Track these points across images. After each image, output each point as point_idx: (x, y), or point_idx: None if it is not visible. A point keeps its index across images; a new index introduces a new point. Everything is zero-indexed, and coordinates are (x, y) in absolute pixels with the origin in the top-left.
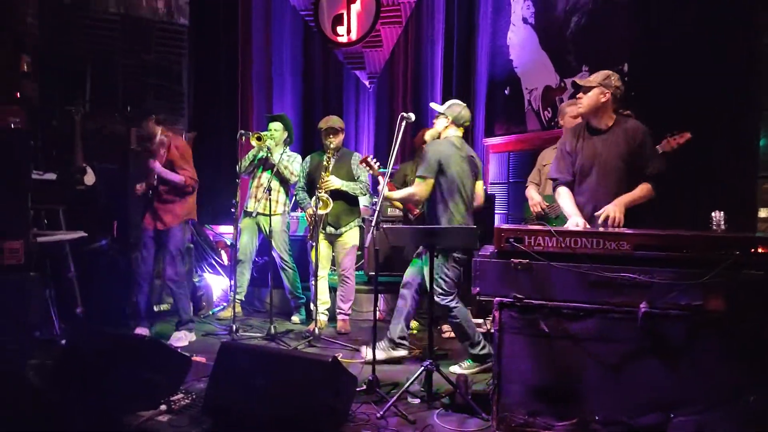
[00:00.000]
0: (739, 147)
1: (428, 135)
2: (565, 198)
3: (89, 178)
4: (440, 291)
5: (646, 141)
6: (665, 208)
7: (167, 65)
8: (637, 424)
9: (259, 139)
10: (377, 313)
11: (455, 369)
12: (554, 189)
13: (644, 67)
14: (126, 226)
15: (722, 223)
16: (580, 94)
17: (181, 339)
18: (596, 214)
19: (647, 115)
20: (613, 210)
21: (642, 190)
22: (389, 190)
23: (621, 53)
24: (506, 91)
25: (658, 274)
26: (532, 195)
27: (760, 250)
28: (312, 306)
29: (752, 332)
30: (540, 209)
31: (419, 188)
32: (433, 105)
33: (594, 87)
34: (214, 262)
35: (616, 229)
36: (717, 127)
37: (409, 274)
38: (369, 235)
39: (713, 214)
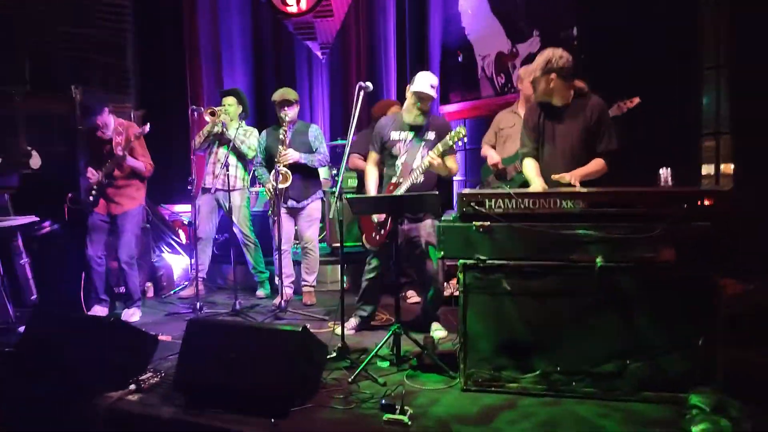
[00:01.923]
0: (684, 105)
1: (427, 117)
2: (530, 168)
3: (35, 161)
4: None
5: (602, 118)
6: (617, 166)
7: (111, 41)
8: (597, 372)
9: (212, 114)
10: (344, 283)
11: (438, 334)
12: (521, 161)
13: (592, 29)
14: (76, 208)
15: (669, 179)
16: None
17: (134, 314)
18: (553, 176)
19: (596, 76)
20: (570, 176)
21: (596, 164)
22: (355, 161)
23: (570, 17)
24: (459, 59)
25: (612, 230)
26: (491, 154)
27: (706, 203)
28: (276, 280)
29: (700, 280)
30: (500, 167)
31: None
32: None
33: (538, 77)
34: (172, 242)
35: (572, 189)
36: (663, 86)
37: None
38: (333, 206)
39: (660, 171)
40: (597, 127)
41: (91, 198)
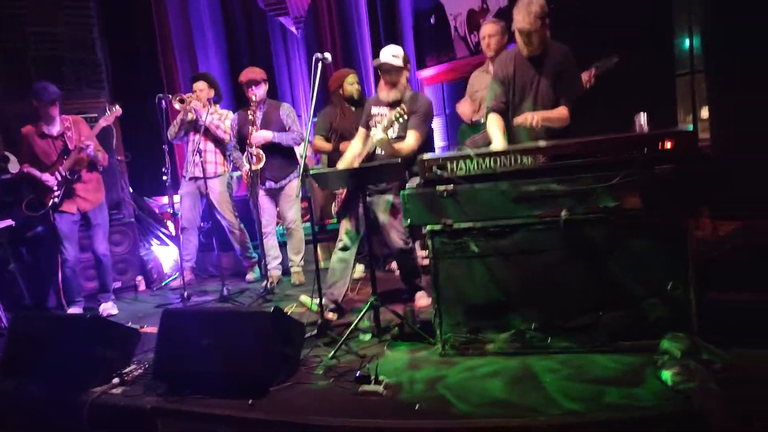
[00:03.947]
0: (658, 46)
1: (401, 91)
2: (493, 123)
3: (13, 166)
4: (405, 237)
5: (568, 66)
6: (594, 115)
7: (78, 36)
8: (571, 326)
9: (181, 101)
10: (321, 261)
11: (421, 302)
12: (486, 116)
13: None
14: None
15: (645, 124)
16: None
17: (112, 308)
18: (514, 120)
19: (566, 24)
20: (531, 115)
21: (559, 111)
22: (316, 143)
23: None
24: (432, 20)
25: (575, 182)
26: (463, 110)
27: (668, 145)
28: (263, 263)
29: (668, 224)
30: (470, 121)
31: (419, 142)
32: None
33: (539, 27)
34: (160, 234)
35: (532, 144)
36: (636, 28)
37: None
38: (297, 184)
39: (636, 116)
40: (560, 74)
41: (56, 200)
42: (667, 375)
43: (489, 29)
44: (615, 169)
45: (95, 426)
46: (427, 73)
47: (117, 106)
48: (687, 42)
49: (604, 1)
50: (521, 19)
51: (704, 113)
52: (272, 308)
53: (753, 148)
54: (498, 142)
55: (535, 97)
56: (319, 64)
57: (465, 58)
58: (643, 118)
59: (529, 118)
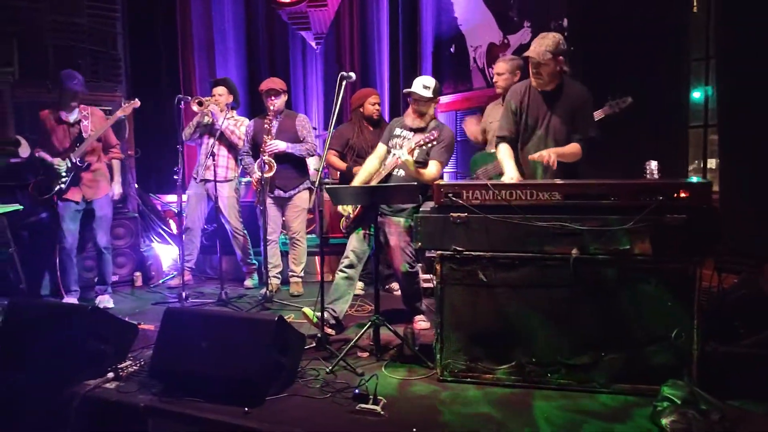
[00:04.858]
0: (674, 97)
1: (426, 121)
2: (504, 154)
3: (24, 150)
4: (412, 259)
5: (584, 106)
6: (607, 159)
7: (100, 29)
8: (571, 363)
9: (200, 104)
10: (324, 274)
11: (421, 325)
12: (497, 145)
13: (583, 21)
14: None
15: (656, 171)
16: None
17: (108, 301)
18: (530, 156)
19: (586, 68)
20: (548, 153)
21: (572, 147)
22: (329, 158)
23: (560, 9)
24: (452, 49)
25: (588, 222)
26: (470, 128)
27: (682, 195)
28: (264, 270)
29: (677, 272)
30: (474, 138)
31: (440, 172)
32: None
33: (549, 60)
34: (162, 232)
35: (549, 181)
36: (653, 77)
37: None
38: (312, 196)
39: (647, 163)
40: (577, 113)
41: (63, 185)
42: (666, 422)
43: (499, 67)
44: (628, 212)
45: (81, 419)
46: (442, 99)
47: (136, 99)
48: (702, 95)
49: (623, 50)
50: (532, 49)
51: (713, 165)
52: (276, 316)
53: (761, 202)
54: (510, 171)
55: (546, 131)
56: (344, 83)
57: (481, 89)
58: (654, 166)
59: (545, 156)
